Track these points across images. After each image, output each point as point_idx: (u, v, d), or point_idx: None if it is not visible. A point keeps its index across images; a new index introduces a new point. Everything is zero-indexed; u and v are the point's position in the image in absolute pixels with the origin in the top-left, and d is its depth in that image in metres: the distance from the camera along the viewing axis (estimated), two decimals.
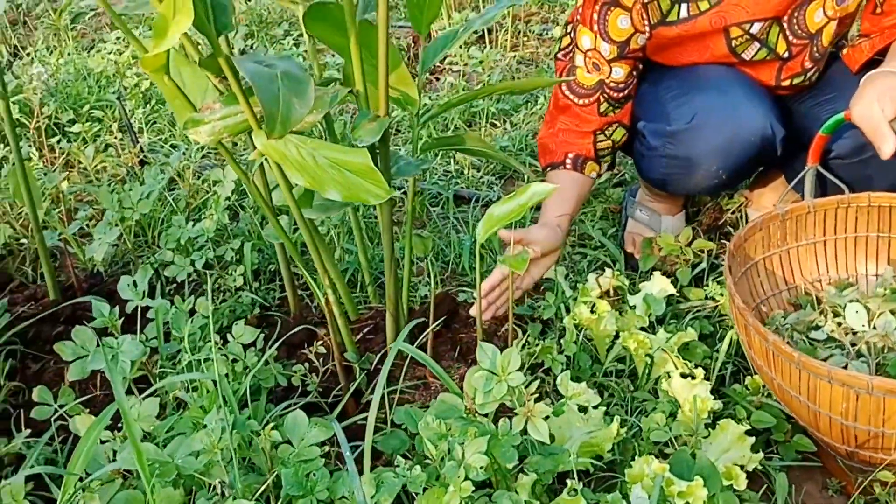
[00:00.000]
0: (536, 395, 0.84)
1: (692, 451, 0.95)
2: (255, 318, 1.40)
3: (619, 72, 1.32)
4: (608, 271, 1.33)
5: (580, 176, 1.39)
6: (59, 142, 2.01)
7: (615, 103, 1.36)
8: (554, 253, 1.29)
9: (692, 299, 1.35)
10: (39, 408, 1.05)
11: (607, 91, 1.34)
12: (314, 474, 0.75)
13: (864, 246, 1.25)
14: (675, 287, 1.39)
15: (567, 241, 1.61)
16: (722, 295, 1.32)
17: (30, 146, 1.93)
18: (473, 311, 1.20)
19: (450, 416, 0.81)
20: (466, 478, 0.73)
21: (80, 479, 0.83)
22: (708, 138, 1.27)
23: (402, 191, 1.79)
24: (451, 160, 1.98)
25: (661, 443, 0.99)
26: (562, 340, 1.19)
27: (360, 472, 1.00)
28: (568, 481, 0.79)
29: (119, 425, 1.01)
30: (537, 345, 1.21)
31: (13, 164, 1.32)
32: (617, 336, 1.20)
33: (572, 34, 1.40)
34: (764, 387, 1.11)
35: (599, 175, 1.44)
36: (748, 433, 1.01)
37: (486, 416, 0.89)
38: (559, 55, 1.41)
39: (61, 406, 1.06)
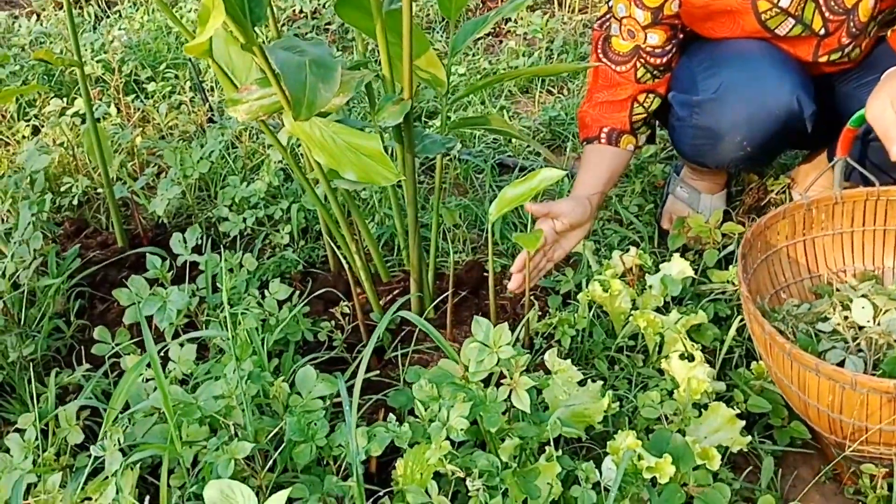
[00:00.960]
0: (525, 367, 0.90)
1: (680, 430, 1.00)
2: (298, 275, 1.51)
3: (655, 38, 1.34)
4: (633, 249, 1.37)
5: (615, 150, 1.42)
6: (134, 99, 2.16)
7: (654, 70, 1.37)
8: (584, 226, 1.33)
9: (715, 281, 1.37)
10: (98, 345, 1.19)
11: (644, 56, 1.36)
12: (315, 424, 0.85)
13: (893, 239, 1.24)
14: (701, 268, 1.41)
15: (601, 216, 1.65)
16: None
17: (107, 104, 2.08)
18: (511, 286, 1.27)
19: (443, 381, 0.89)
20: (447, 437, 0.81)
21: (125, 410, 0.96)
22: (731, 110, 1.29)
23: (448, 158, 1.86)
24: None
25: (653, 419, 1.04)
26: (575, 315, 1.24)
27: (370, 423, 1.11)
28: (547, 448, 0.86)
29: (165, 365, 1.14)
30: (556, 316, 1.28)
31: (87, 124, 1.45)
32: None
33: (609, 3, 1.42)
34: (767, 372, 1.14)
35: (638, 147, 1.46)
36: (744, 417, 1.05)
37: (484, 382, 0.97)
38: (595, 25, 1.43)
39: (118, 345, 1.20)
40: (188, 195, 1.66)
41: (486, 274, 1.45)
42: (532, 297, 1.39)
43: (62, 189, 1.78)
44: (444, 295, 1.30)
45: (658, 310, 1.25)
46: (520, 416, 0.93)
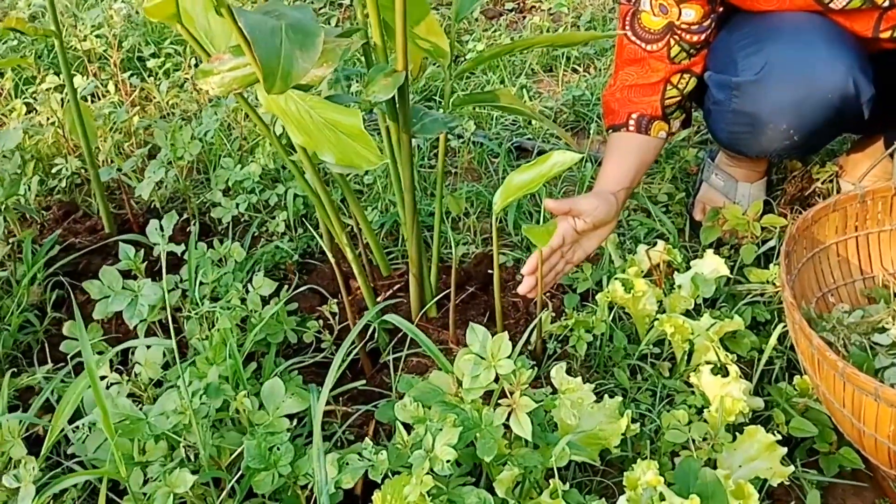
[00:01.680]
0: (528, 383, 0.77)
1: (710, 459, 0.86)
2: (293, 266, 1.39)
3: (690, 13, 1.18)
4: (660, 243, 1.22)
5: (645, 138, 1.27)
6: (131, 76, 2.05)
7: (689, 47, 1.22)
8: (608, 224, 1.19)
9: (753, 281, 1.22)
10: (67, 342, 1.09)
11: (679, 33, 1.20)
12: (279, 448, 0.73)
13: None
14: (738, 265, 1.27)
15: (626, 204, 1.50)
16: None
17: (104, 82, 1.98)
18: (521, 290, 1.13)
19: (430, 400, 0.76)
20: (431, 470, 0.68)
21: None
22: (776, 93, 1.13)
23: (461, 140, 1.72)
24: None
25: (679, 444, 0.90)
26: (593, 318, 1.11)
27: (357, 438, 0.98)
28: (551, 481, 0.73)
29: (130, 367, 1.03)
30: (572, 318, 1.14)
31: (68, 100, 1.34)
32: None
33: None
34: (813, 389, 0.99)
35: (671, 134, 1.31)
36: (785, 440, 0.91)
37: (482, 400, 0.84)
38: None
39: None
40: (180, 178, 1.55)
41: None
42: (546, 296, 1.25)
43: (53, 170, 1.69)
44: (449, 291, 1.17)
45: (687, 313, 1.11)
46: (523, 439, 0.80)
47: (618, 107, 1.28)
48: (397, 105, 0.96)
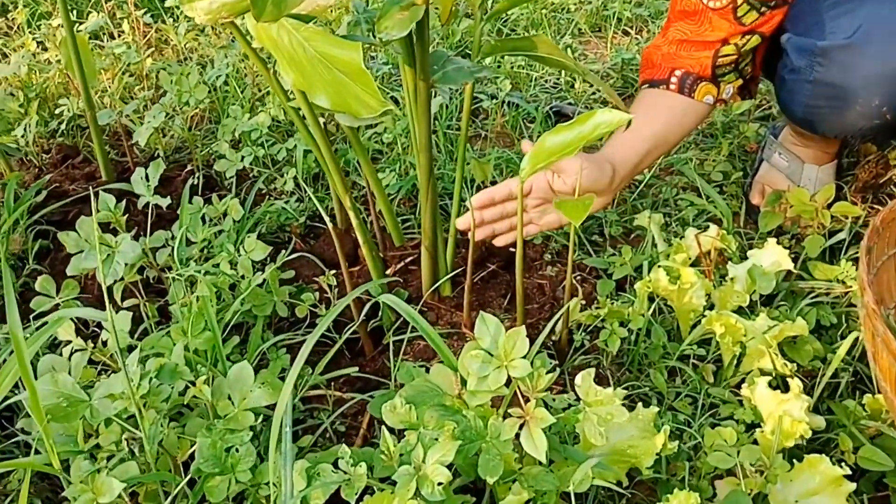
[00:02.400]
0: (546, 389, 0.63)
1: (762, 493, 0.72)
2: (298, 228, 1.26)
3: None
4: (713, 228, 1.07)
5: (686, 101, 1.09)
6: (145, 13, 1.92)
7: (761, 5, 1.03)
8: (599, 196, 1.00)
9: (817, 278, 1.06)
10: (38, 299, 0.98)
11: None
12: (238, 449, 0.61)
13: None
14: (801, 259, 1.10)
15: (674, 182, 1.34)
16: (855, 279, 1.02)
17: (117, 21, 1.86)
18: (459, 224, 0.96)
19: (426, 402, 0.63)
20: (417, 493, 0.55)
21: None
22: (871, 62, 0.95)
23: (495, 101, 1.56)
24: (561, 71, 1.71)
25: (724, 469, 0.76)
26: (630, 309, 0.96)
27: (348, 432, 0.86)
28: None
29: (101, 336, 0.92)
30: (605, 307, 1.00)
31: (64, 33, 1.22)
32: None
33: None
34: (888, 413, 0.84)
35: (720, 101, 1.12)
36: (850, 473, 0.76)
37: (491, 402, 0.70)
38: None
39: (63, 299, 0.98)
40: (184, 126, 1.43)
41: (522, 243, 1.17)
42: (576, 280, 1.11)
43: (57, 111, 1.58)
44: (466, 267, 1.03)
45: (740, 311, 0.96)
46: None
47: (660, 60, 1.10)
48: (415, 47, 0.82)
